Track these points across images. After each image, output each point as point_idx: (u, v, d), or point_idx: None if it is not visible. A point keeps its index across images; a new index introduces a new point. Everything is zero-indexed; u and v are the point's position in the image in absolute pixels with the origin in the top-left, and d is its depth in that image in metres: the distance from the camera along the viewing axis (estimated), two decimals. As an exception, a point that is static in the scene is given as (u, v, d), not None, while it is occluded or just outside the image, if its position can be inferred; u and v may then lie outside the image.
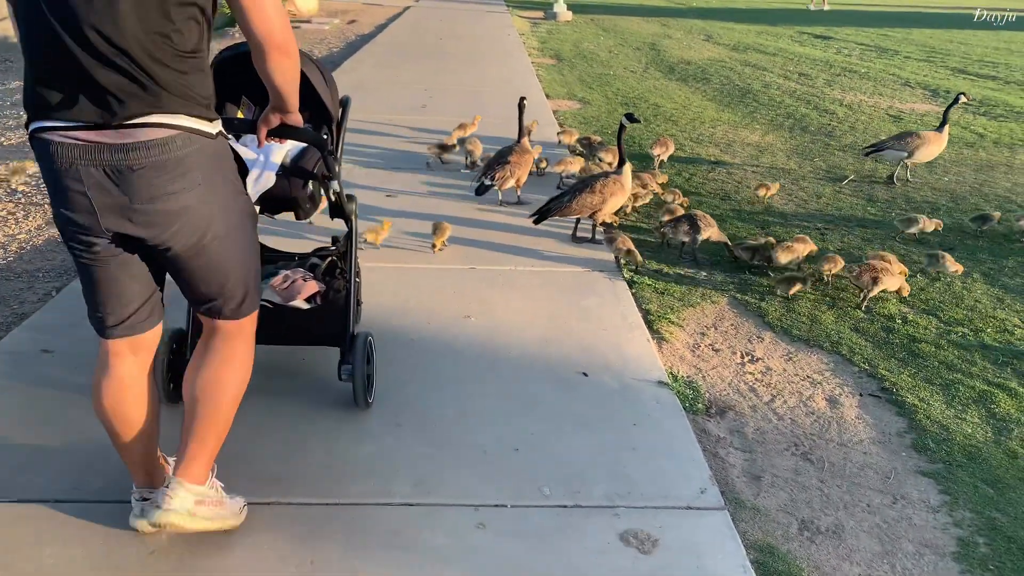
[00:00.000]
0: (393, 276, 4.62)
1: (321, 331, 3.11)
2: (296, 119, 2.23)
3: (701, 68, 13.89)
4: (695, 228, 5.04)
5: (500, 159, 5.82)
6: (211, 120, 1.98)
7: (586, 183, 5.14)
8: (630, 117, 5.25)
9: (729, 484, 3.03)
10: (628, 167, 5.20)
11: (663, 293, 4.68)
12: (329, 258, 3.43)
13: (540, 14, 22.73)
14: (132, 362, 2.19)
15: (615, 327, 4.15)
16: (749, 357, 4.03)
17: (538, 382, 3.60)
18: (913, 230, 5.66)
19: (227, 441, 2.43)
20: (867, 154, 7.35)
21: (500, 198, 6.02)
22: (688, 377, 3.80)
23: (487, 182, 5.68)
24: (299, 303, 3.10)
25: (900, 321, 4.46)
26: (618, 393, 3.53)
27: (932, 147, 6.99)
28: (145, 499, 2.31)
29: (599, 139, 7.48)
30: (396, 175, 6.67)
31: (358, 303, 3.41)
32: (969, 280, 5.09)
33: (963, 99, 7.35)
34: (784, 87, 12.16)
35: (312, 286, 3.17)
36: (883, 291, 4.57)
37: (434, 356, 3.76)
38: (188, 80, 1.88)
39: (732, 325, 4.36)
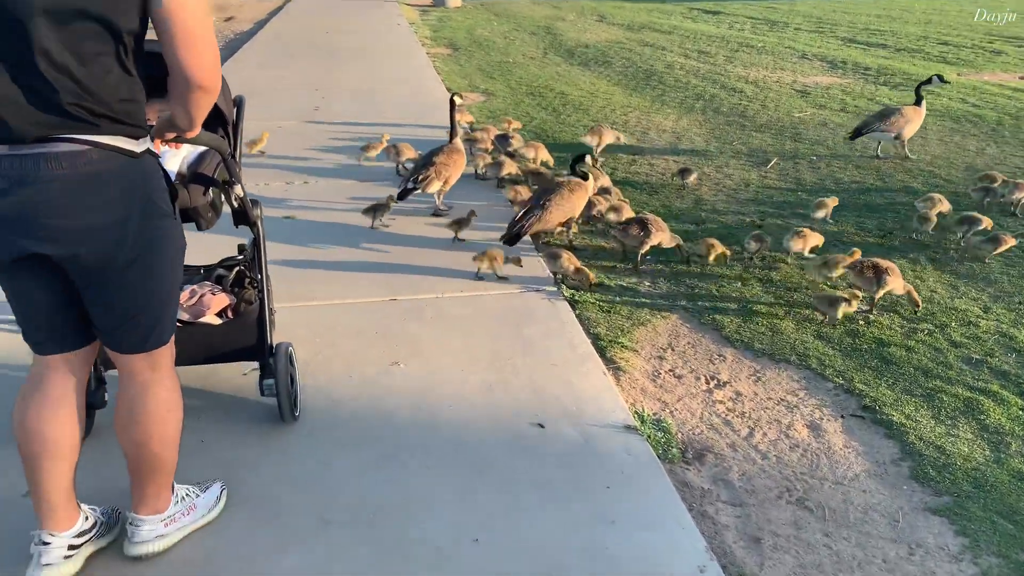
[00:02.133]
0: (302, 317, 3.99)
1: (237, 346, 2.95)
2: (194, 136, 2.13)
3: (600, 51, 13.55)
4: (646, 232, 4.62)
5: (427, 160, 5.34)
6: (136, 138, 1.90)
7: (550, 191, 4.83)
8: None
9: (728, 553, 2.60)
10: (591, 180, 5.02)
11: (609, 311, 4.23)
12: (236, 268, 3.26)
13: (428, 1, 21.99)
14: (64, 380, 2.10)
15: (565, 360, 3.66)
16: (715, 381, 3.62)
17: (487, 440, 3.08)
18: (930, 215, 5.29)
19: None
20: (853, 137, 7.18)
21: (437, 205, 5.51)
22: (655, 415, 3.35)
23: (410, 185, 5.21)
24: (209, 318, 2.93)
25: (863, 323, 4.15)
26: (582, 446, 3.05)
27: (915, 123, 6.92)
28: (44, 542, 2.17)
29: (508, 130, 7.01)
30: (294, 188, 5.98)
31: (271, 312, 3.16)
32: (919, 268, 4.85)
33: (936, 81, 7.27)
34: (687, 67, 11.95)
35: (222, 299, 3.00)
36: (889, 293, 4.22)
37: (360, 421, 3.18)
38: (109, 99, 1.80)
39: (689, 343, 3.95)
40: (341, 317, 4.03)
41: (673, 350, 3.88)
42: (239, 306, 3.02)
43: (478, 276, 4.49)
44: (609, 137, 6.89)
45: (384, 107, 8.99)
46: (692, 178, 6.29)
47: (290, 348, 2.97)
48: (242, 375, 3.44)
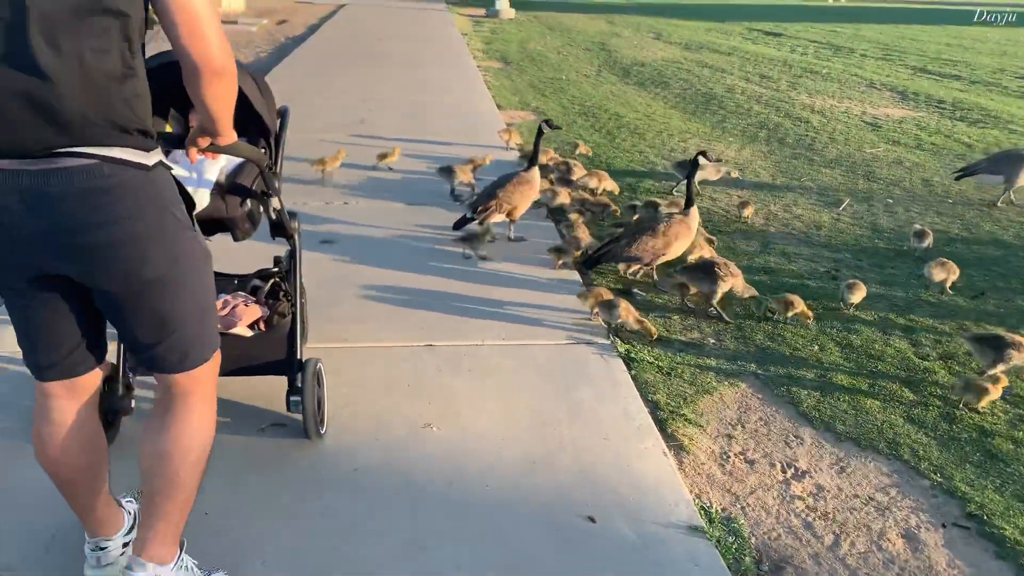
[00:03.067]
0: (331, 361, 3.60)
1: (266, 359, 2.91)
2: (228, 142, 2.02)
3: (657, 70, 13.10)
4: (712, 278, 4.18)
5: (491, 190, 5.05)
6: (147, 150, 1.80)
7: (645, 225, 4.65)
8: (704, 156, 4.96)
9: None
10: (695, 210, 4.66)
11: (669, 373, 3.78)
12: (272, 280, 3.23)
13: (482, 12, 21.73)
14: (72, 405, 2.03)
15: (620, 433, 3.23)
16: (793, 470, 3.15)
17: (529, 531, 2.66)
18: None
19: None
20: (958, 178, 6.73)
21: (510, 236, 5.21)
22: (725, 512, 2.90)
23: (469, 214, 4.95)
24: (241, 330, 2.89)
25: (961, 407, 3.64)
26: (639, 549, 2.61)
27: None
28: (101, 548, 2.22)
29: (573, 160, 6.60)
30: (333, 207, 5.64)
31: (304, 326, 3.19)
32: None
33: None
34: (748, 91, 11.44)
35: (255, 311, 2.98)
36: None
37: (385, 497, 2.79)
38: (115, 105, 1.70)
39: (761, 419, 3.49)
40: (372, 364, 3.65)
41: (743, 427, 3.42)
42: (272, 319, 3.01)
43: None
44: (610, 184, 6.20)
45: (431, 122, 8.65)
46: (748, 211, 5.85)
47: (319, 364, 2.94)
48: (259, 430, 3.08)
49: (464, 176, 5.97)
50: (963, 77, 13.28)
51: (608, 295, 4.15)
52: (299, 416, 2.94)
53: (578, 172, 6.35)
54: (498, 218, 4.98)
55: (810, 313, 4.27)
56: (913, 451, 3.29)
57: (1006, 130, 9.31)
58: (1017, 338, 3.74)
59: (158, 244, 1.85)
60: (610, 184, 6.19)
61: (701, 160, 4.90)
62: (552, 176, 6.33)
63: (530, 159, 5.22)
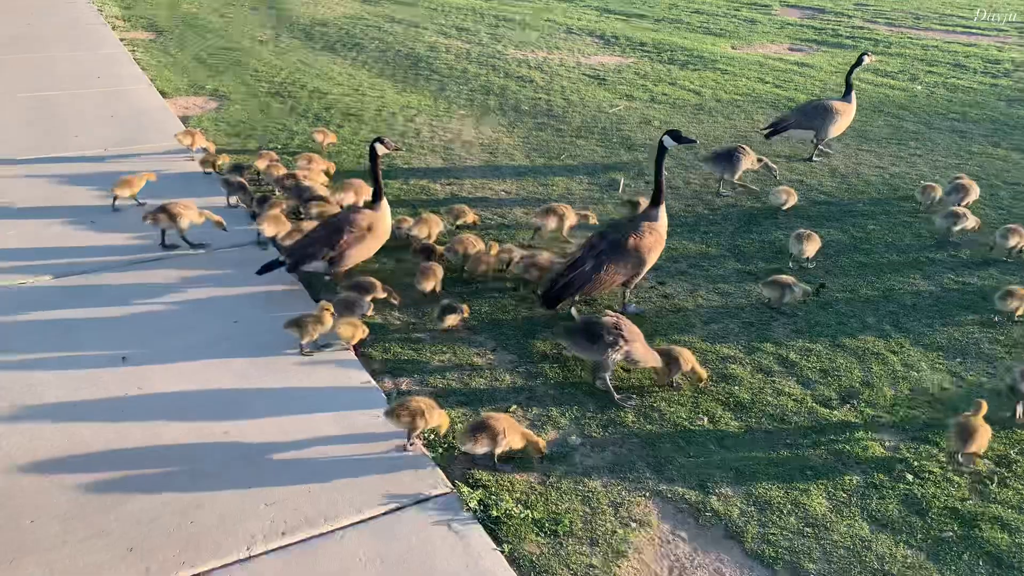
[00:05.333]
0: None
1: None
2: None
3: (343, 29, 11.42)
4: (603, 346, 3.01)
5: (327, 233, 3.97)
6: None
7: (608, 239, 3.69)
8: (675, 136, 3.83)
9: None
10: (663, 210, 3.85)
11: (554, 532, 2.52)
12: None
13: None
14: None
15: None
16: None
17: None
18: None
19: None
20: (768, 136, 6.08)
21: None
22: None
23: (283, 259, 3.97)
24: None
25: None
26: None
27: (843, 119, 5.95)
28: None
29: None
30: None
31: None
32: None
33: (867, 59, 6.27)
34: (453, 48, 10.28)
35: None
36: None
37: None
38: None
39: (709, 584, 2.39)
40: None
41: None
42: None
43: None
44: (572, 218, 4.67)
45: (73, 126, 6.34)
46: (550, 223, 4.69)
47: None
48: None
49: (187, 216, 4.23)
50: (646, 15, 13.33)
51: (431, 407, 2.78)
52: None
53: (316, 185, 4.78)
54: (317, 265, 3.93)
55: (705, 376, 3.29)
56: None
57: (718, 70, 9.19)
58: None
59: None
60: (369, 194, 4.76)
61: (668, 142, 3.86)
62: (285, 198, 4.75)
63: (374, 191, 4.08)
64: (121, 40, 9.96)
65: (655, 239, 3.73)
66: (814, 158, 6.21)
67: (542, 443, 2.84)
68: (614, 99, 7.90)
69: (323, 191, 4.85)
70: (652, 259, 3.76)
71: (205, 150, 5.78)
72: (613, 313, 3.34)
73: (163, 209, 4.35)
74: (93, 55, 9.00)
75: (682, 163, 6.14)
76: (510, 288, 4.18)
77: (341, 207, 4.64)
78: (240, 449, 2.87)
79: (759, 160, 5.49)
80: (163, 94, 7.58)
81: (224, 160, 5.57)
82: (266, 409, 3.09)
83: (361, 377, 3.33)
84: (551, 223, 4.55)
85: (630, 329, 3.19)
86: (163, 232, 4.42)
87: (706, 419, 3.15)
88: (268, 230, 4.30)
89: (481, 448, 2.71)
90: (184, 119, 6.84)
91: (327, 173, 5.36)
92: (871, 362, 3.58)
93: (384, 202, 4.07)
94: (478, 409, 3.15)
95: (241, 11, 12.75)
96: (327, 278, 4.01)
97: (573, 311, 3.79)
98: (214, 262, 4.34)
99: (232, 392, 3.20)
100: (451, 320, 3.67)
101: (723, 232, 4.92)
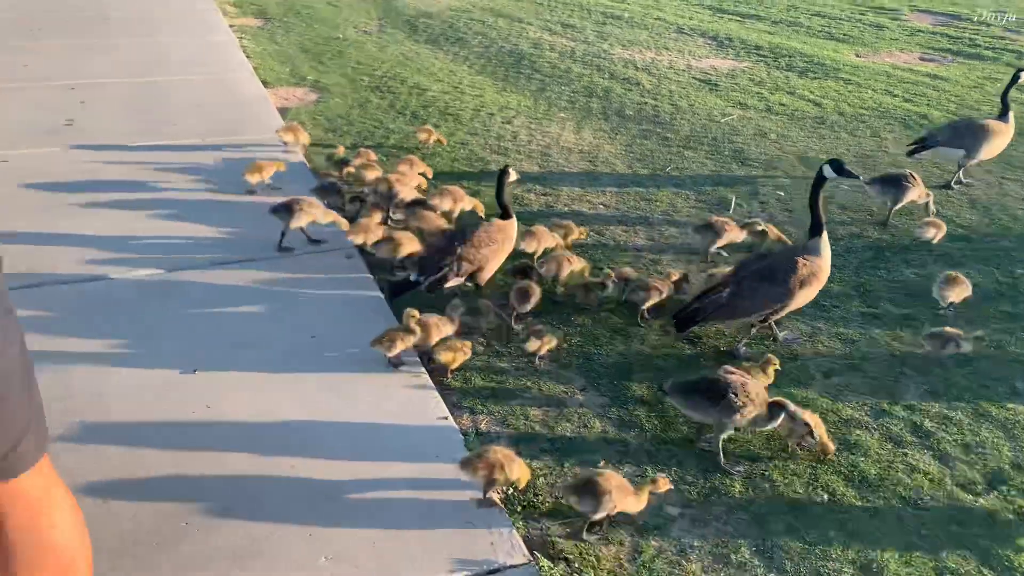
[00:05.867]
0: None
1: None
2: None
3: (448, 23, 11.25)
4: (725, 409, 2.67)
5: (448, 243, 3.82)
6: None
7: (753, 267, 3.47)
8: (837, 167, 3.57)
9: None
10: (824, 242, 3.55)
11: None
12: None
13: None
14: None
15: None
16: None
17: None
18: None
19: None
20: (911, 153, 5.63)
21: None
22: None
23: (415, 277, 3.77)
24: None
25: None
26: None
27: (998, 141, 5.44)
28: None
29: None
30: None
31: None
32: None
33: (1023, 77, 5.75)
34: (557, 46, 9.95)
35: None
36: None
37: None
38: None
39: None
40: None
41: None
42: None
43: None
44: (547, 240, 4.32)
45: (173, 113, 6.34)
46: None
47: None
48: None
49: (310, 214, 4.12)
50: (763, 16, 12.64)
51: (510, 460, 2.50)
52: None
53: (405, 191, 4.56)
54: (456, 281, 3.76)
55: (831, 447, 2.89)
56: None
57: (839, 80, 8.55)
58: None
59: None
60: (467, 203, 4.51)
61: (828, 172, 3.64)
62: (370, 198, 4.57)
63: (503, 207, 4.02)
64: (231, 27, 10.05)
65: (809, 273, 3.40)
66: (954, 184, 5.60)
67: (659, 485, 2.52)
68: (726, 107, 7.41)
69: (415, 195, 4.62)
70: (802, 297, 3.45)
71: (304, 147, 5.62)
72: (736, 369, 2.96)
73: (288, 206, 4.21)
74: (202, 41, 9.09)
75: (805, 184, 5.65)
76: (605, 313, 3.84)
77: (439, 212, 4.42)
78: (304, 488, 2.65)
79: (928, 195, 4.99)
80: (265, 84, 7.54)
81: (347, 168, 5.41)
82: (335, 442, 2.86)
83: (438, 411, 3.07)
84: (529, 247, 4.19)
85: (757, 390, 2.81)
86: (283, 234, 4.28)
87: (825, 495, 2.74)
88: (357, 238, 4.11)
89: (586, 508, 2.42)
90: (283, 111, 6.76)
91: (424, 176, 5.14)
92: (1023, 438, 3.09)
93: (514, 217, 4.02)
94: (563, 461, 2.84)
95: None
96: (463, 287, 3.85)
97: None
98: (299, 266, 4.17)
99: (301, 422, 2.98)
100: (536, 345, 3.37)
101: (847, 266, 4.44)
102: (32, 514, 1.13)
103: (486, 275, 3.84)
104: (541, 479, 2.73)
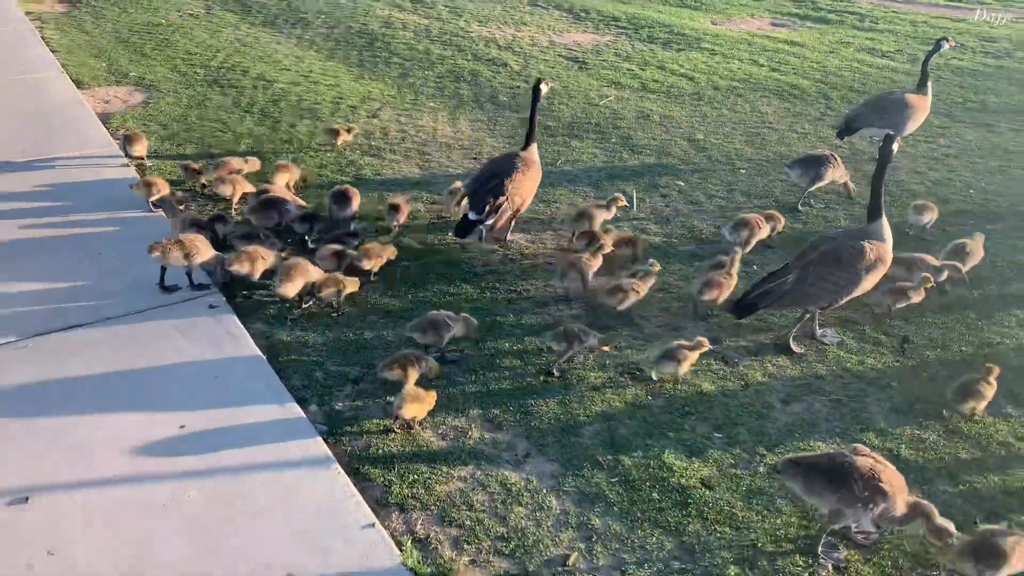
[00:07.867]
0: None
1: None
2: None
3: (285, 1, 10.24)
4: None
5: (490, 182, 3.87)
6: None
7: (820, 253, 3.25)
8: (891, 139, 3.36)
9: None
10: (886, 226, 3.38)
11: None
12: None
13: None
14: None
15: None
16: None
17: None
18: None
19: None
20: (841, 136, 5.44)
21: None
22: None
23: (473, 215, 3.73)
24: None
25: None
26: None
27: (920, 114, 5.30)
28: None
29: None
30: None
31: None
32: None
33: (947, 45, 5.57)
34: (410, 23, 9.23)
35: None
36: None
37: None
38: None
39: None
40: None
41: None
42: None
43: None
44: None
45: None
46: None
47: None
48: None
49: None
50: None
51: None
52: None
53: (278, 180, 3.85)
54: (504, 221, 3.87)
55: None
56: None
57: (704, 50, 8.39)
58: None
59: None
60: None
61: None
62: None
63: (528, 133, 4.21)
64: (27, 14, 8.65)
65: (876, 258, 3.24)
66: (800, 206, 5.27)
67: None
68: (601, 87, 7.04)
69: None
70: (867, 283, 3.28)
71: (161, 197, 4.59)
72: (867, 450, 2.49)
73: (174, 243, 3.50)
74: (-8, 34, 7.72)
75: (762, 169, 5.35)
76: (527, 349, 3.35)
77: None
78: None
79: (846, 175, 4.82)
80: (78, 84, 6.45)
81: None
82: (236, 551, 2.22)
83: (361, 517, 2.47)
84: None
85: (890, 477, 2.38)
86: (164, 270, 3.57)
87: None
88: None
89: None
90: (105, 117, 5.76)
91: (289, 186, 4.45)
92: (995, 454, 2.88)
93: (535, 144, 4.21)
94: (526, 566, 2.34)
95: (166, -22, 11.38)
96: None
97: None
98: (156, 328, 3.39)
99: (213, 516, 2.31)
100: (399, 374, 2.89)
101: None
102: None
103: (525, 206, 4.13)
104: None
